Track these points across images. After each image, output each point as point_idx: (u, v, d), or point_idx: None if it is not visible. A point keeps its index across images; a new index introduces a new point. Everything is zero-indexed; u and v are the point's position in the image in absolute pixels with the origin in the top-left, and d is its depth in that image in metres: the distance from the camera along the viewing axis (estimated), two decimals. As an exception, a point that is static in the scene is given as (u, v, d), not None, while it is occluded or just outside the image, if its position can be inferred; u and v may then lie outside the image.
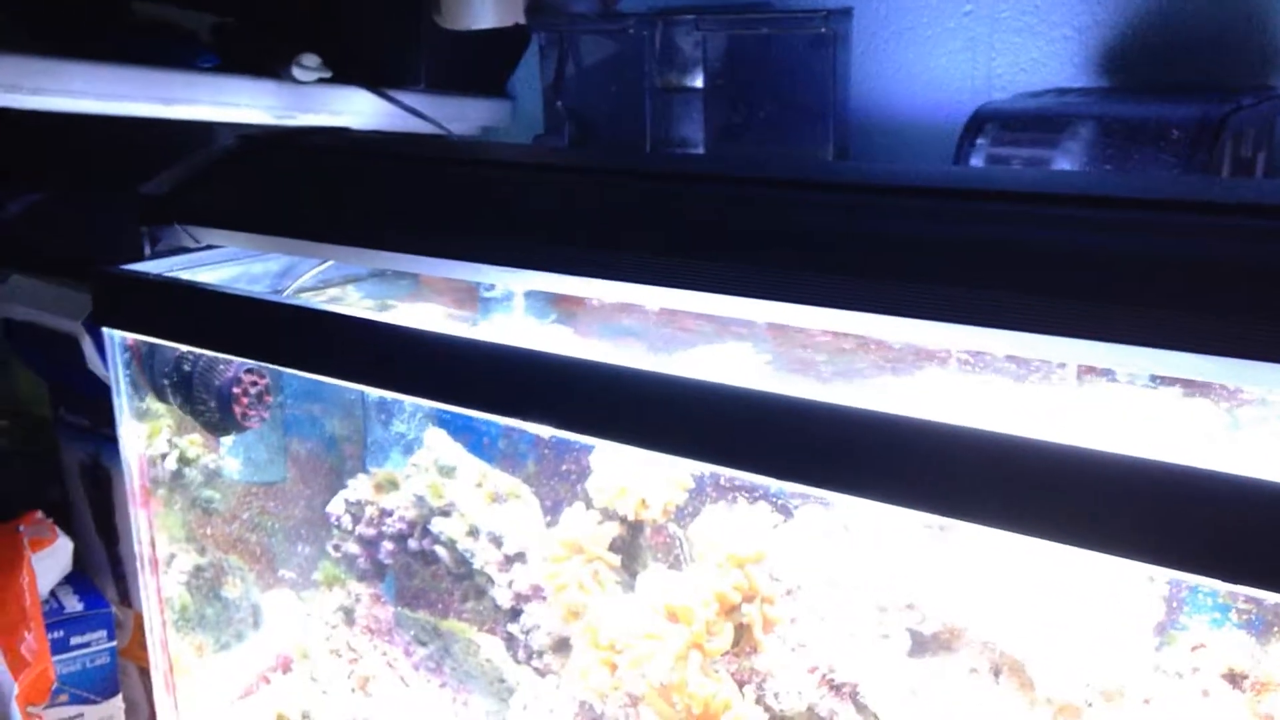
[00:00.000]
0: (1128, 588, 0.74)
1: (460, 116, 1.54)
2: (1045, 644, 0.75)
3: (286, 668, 1.22)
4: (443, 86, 1.50)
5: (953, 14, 1.18)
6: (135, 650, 1.40)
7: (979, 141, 0.97)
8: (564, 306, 1.13)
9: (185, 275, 1.10)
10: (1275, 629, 0.76)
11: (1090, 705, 0.73)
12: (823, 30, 1.13)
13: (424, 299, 1.24)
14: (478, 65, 1.55)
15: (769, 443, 0.75)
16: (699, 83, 1.26)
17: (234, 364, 1.04)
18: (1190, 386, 0.81)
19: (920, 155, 1.20)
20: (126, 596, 1.42)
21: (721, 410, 0.76)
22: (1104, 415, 0.80)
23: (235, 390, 1.03)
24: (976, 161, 0.97)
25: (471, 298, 1.15)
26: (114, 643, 1.40)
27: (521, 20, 1.37)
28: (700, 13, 1.23)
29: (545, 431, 0.82)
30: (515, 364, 0.85)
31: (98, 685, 1.38)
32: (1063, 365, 0.85)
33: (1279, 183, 0.94)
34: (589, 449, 1.03)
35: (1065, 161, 0.92)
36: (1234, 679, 0.71)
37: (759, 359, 0.94)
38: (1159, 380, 0.82)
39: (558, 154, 1.26)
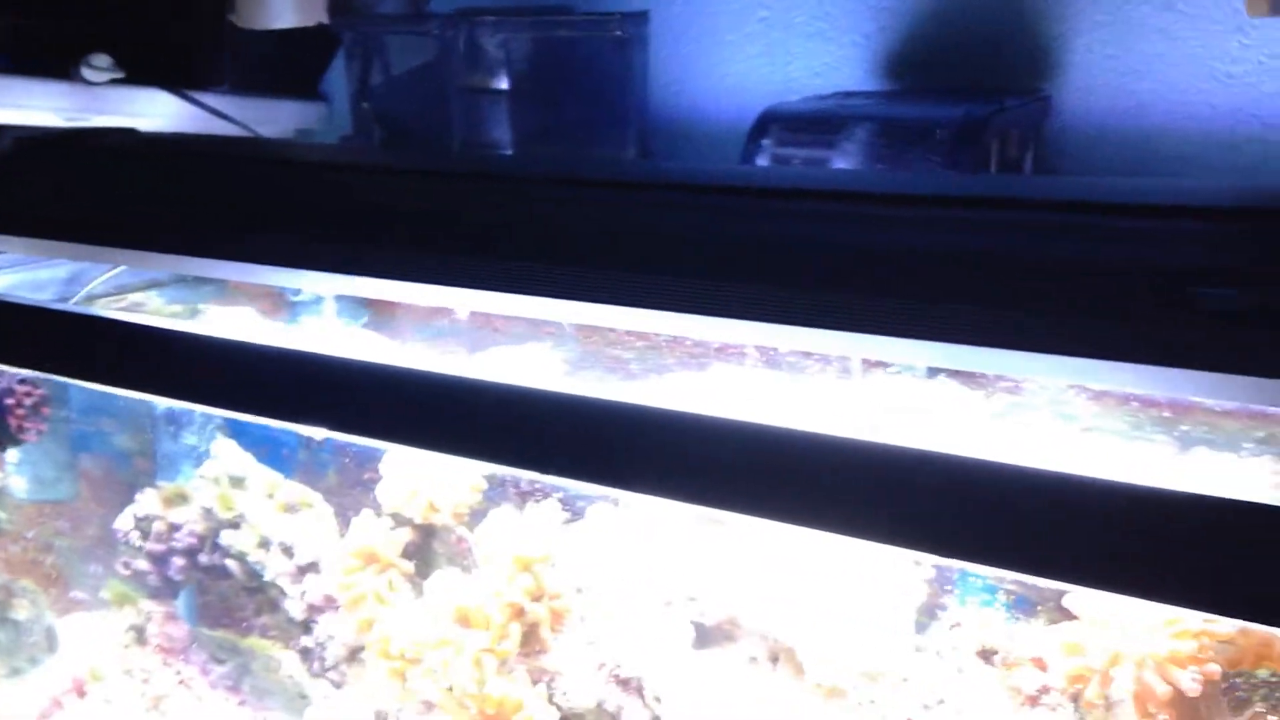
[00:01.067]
0: (896, 573, 0.76)
1: (270, 119, 1.50)
2: (815, 630, 0.77)
3: (80, 691, 1.17)
4: (249, 88, 1.46)
5: (749, 20, 1.20)
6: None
7: (764, 142, 1.00)
8: (377, 309, 1.11)
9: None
10: (1039, 607, 0.79)
11: (855, 686, 0.75)
12: (619, 33, 1.14)
13: (233, 303, 1.21)
14: (286, 66, 1.51)
15: (551, 441, 0.75)
16: (504, 84, 1.26)
17: (5, 375, 0.99)
18: (962, 376, 0.84)
19: (722, 156, 1.23)
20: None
21: (499, 410, 0.76)
22: (882, 407, 0.82)
23: (8, 402, 0.99)
24: (762, 161, 0.99)
25: (273, 301, 1.13)
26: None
27: (325, 20, 1.35)
28: (503, 15, 1.23)
29: (319, 434, 0.81)
30: (298, 368, 0.84)
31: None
32: (846, 358, 0.87)
33: (1032, 179, 0.98)
34: (371, 454, 1.01)
35: (842, 161, 0.94)
36: (986, 656, 0.74)
37: (557, 358, 0.94)
38: (936, 371, 0.85)
39: (358, 154, 1.24)
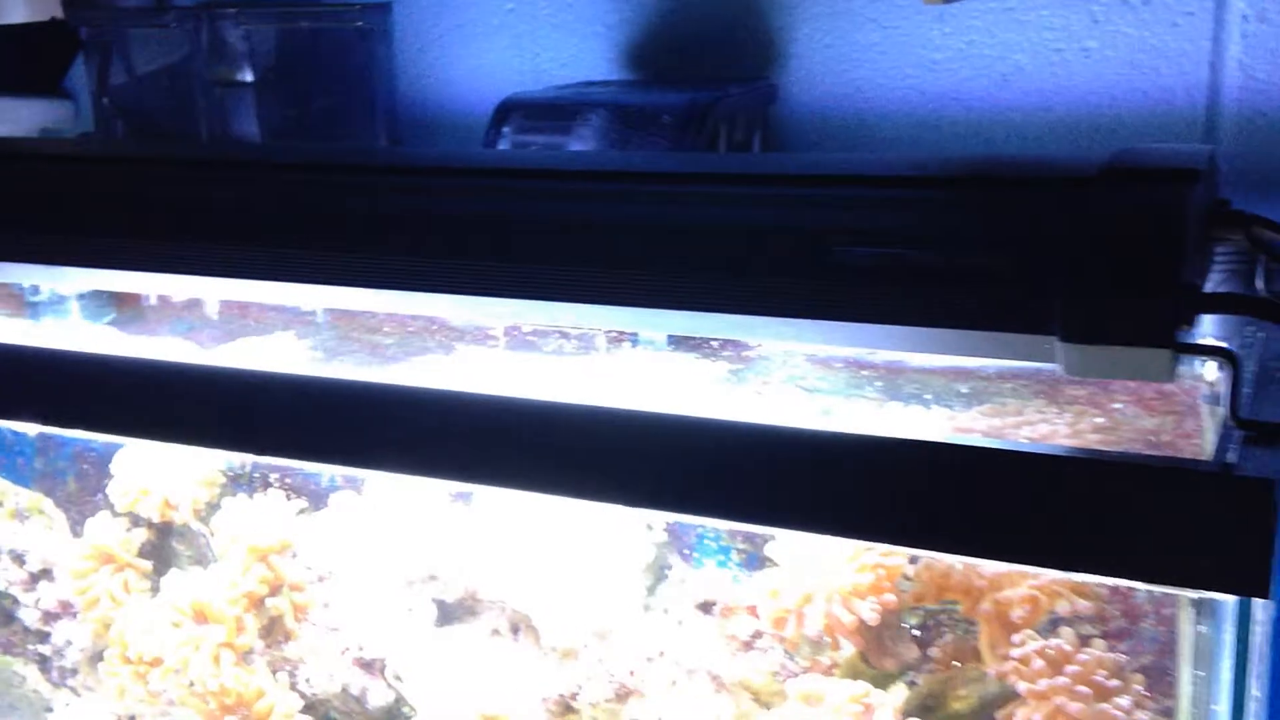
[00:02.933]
0: (626, 536, 0.79)
1: (11, 117, 1.44)
2: (550, 597, 0.80)
3: None
4: (-15, 86, 1.40)
5: (496, 11, 1.22)
6: None
7: (504, 130, 1.02)
8: (122, 306, 1.08)
9: None
10: (765, 564, 0.83)
11: (586, 646, 0.78)
12: (360, 24, 1.15)
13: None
14: (25, 64, 1.45)
15: (282, 425, 0.75)
16: (249, 77, 1.24)
17: None
18: (702, 347, 0.88)
19: (472, 145, 1.24)
20: None
21: (224, 396, 0.75)
22: (625, 376, 0.85)
23: None
24: (503, 147, 1.01)
25: (11, 302, 1.09)
26: None
27: (59, 15, 1.30)
28: (246, 7, 1.22)
29: (31, 430, 0.79)
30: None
31: None
32: (592, 333, 0.90)
33: (739, 156, 1.02)
34: (100, 453, 0.99)
35: (578, 145, 0.97)
36: (706, 608, 0.78)
37: (304, 345, 0.93)
38: (675, 342, 0.88)
39: (93, 147, 1.20)
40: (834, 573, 0.70)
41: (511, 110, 1.03)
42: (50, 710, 1.02)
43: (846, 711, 0.71)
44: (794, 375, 0.87)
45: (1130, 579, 0.52)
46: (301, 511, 0.87)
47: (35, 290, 1.09)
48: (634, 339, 0.89)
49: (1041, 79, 1.00)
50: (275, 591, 0.85)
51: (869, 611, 0.68)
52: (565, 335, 0.91)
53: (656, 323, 0.78)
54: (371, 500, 0.87)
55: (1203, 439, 0.73)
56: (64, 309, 1.08)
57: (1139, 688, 0.68)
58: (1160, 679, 0.73)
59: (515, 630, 0.82)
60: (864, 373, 0.85)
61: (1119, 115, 0.98)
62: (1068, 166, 0.57)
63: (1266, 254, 0.66)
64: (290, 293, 0.81)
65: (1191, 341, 0.50)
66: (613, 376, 0.85)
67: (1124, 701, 0.66)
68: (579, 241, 0.67)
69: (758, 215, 0.62)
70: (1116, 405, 0.76)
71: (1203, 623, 0.59)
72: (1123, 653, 0.73)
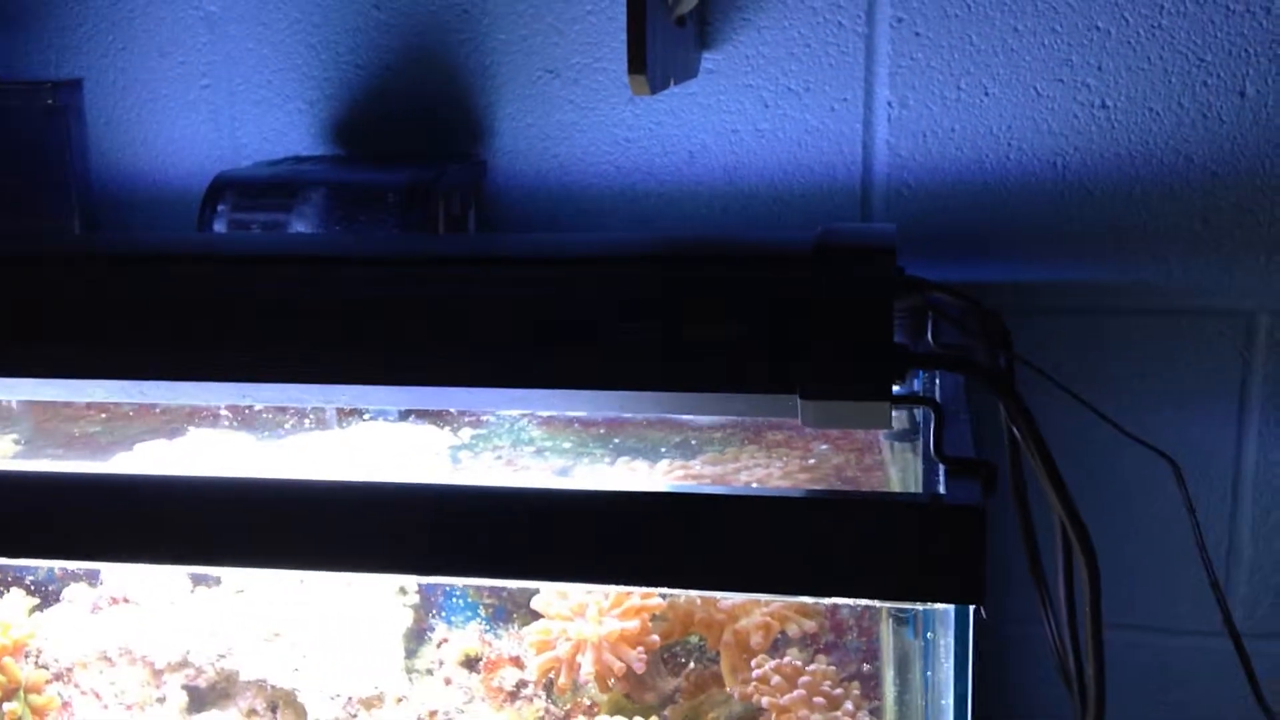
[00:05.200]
0: (380, 603, 0.82)
1: None
2: (312, 670, 0.81)
3: None
4: None
5: (192, 87, 1.21)
6: None
7: (220, 207, 1.02)
8: None
9: None
10: (514, 614, 0.88)
11: (355, 716, 0.80)
12: (50, 101, 1.11)
13: None
14: None
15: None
16: (-81, 156, 1.16)
17: None
18: (427, 417, 0.91)
19: (171, 224, 1.22)
20: None
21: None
22: (361, 449, 0.87)
23: None
24: (219, 227, 1.01)
25: None
26: None
27: None
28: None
29: None
30: None
31: None
32: (320, 410, 0.92)
33: (485, 236, 1.08)
34: None
35: (300, 224, 0.99)
36: (470, 663, 0.82)
37: (7, 439, 0.90)
38: (406, 414, 0.91)
39: None
40: (597, 620, 0.76)
41: (226, 188, 1.03)
42: None
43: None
44: (524, 437, 0.93)
45: (871, 599, 0.61)
46: (34, 609, 0.83)
47: None
48: (367, 413, 0.92)
49: (724, 156, 1.12)
50: (9, 696, 0.81)
51: (636, 661, 0.75)
52: (300, 413, 0.92)
53: (393, 400, 0.81)
54: (108, 590, 0.85)
55: (885, 471, 0.86)
56: None
57: (856, 692, 0.79)
58: (867, 683, 0.84)
59: (273, 708, 0.83)
60: (592, 430, 0.93)
61: (791, 187, 1.12)
62: (783, 244, 0.67)
63: (935, 313, 0.78)
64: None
65: (902, 393, 0.61)
66: (352, 448, 0.88)
67: (849, 705, 0.76)
68: (336, 323, 0.70)
69: (516, 292, 0.67)
70: (820, 445, 0.87)
71: (925, 629, 0.70)
72: (833, 663, 0.84)
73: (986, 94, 1.05)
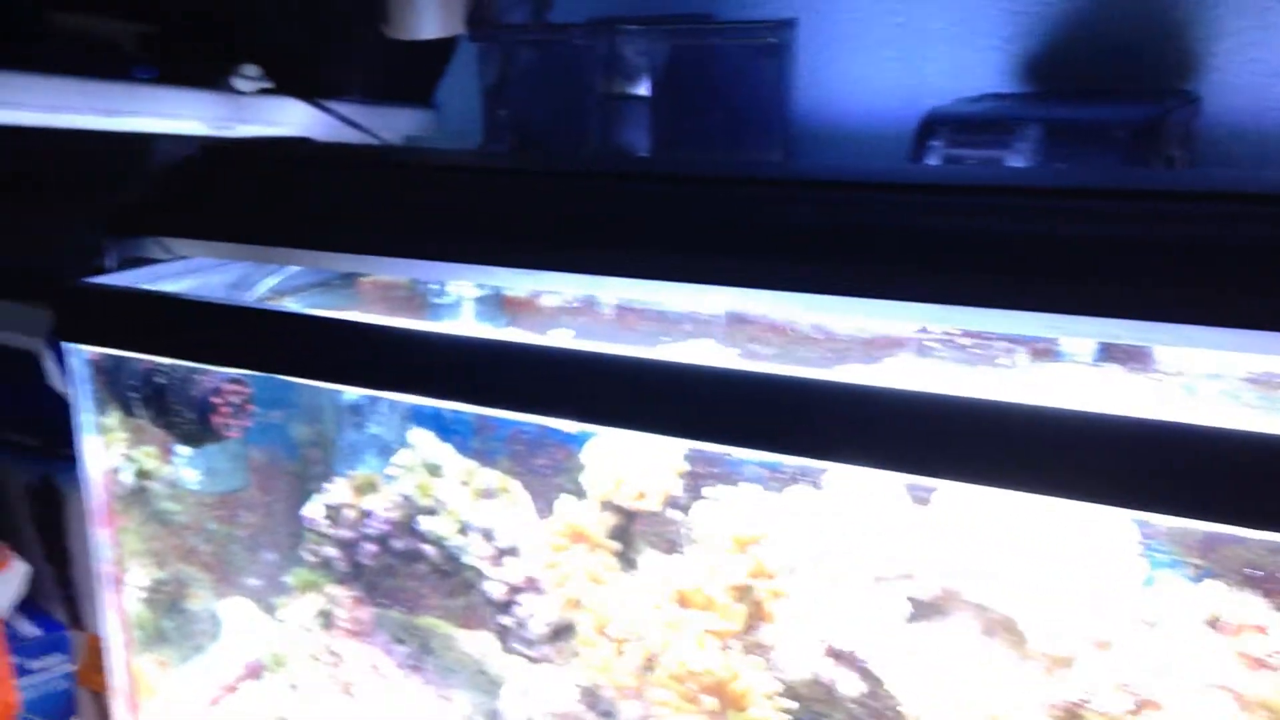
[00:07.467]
0: (1102, 540, 0.81)
1: (389, 126, 1.55)
2: (1033, 601, 0.82)
3: (256, 674, 1.22)
4: (375, 96, 1.51)
5: (887, 24, 1.25)
6: (89, 674, 1.37)
7: (933, 143, 1.04)
8: (514, 311, 1.15)
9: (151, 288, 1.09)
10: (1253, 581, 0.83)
11: (1083, 656, 0.80)
12: (770, 40, 1.19)
13: (368, 308, 1.25)
14: (408, 76, 1.56)
15: (765, 420, 0.79)
16: (645, 91, 1.30)
17: (213, 374, 1.04)
18: (1128, 363, 0.88)
19: (861, 157, 1.27)
20: (78, 619, 1.39)
21: (720, 390, 0.80)
22: (1058, 387, 0.86)
23: (215, 400, 1.03)
24: (933, 161, 1.03)
25: (412, 305, 1.17)
26: (71, 666, 1.37)
27: (462, 31, 1.39)
28: (647, 23, 1.27)
29: (555, 423, 0.85)
30: (511, 358, 0.88)
31: (56, 710, 1.34)
32: (1013, 350, 0.92)
33: (1217, 172, 1.02)
34: (568, 442, 1.06)
35: (1017, 160, 0.99)
36: (1215, 624, 0.79)
37: (728, 351, 0.98)
38: (1103, 358, 0.89)
39: (517, 159, 1.29)
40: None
41: (940, 124, 1.05)
42: (484, 672, 1.10)
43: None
44: (1230, 390, 0.87)
45: None
46: (770, 505, 0.92)
47: (440, 292, 1.16)
48: (1057, 355, 0.90)
49: None
50: (755, 580, 0.90)
51: None
52: (985, 352, 0.92)
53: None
54: (834, 495, 0.91)
55: None
56: (458, 313, 1.15)
57: None
58: None
59: (990, 634, 0.85)
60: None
61: None
62: None
63: None
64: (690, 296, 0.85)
65: None
66: (1048, 386, 0.87)
67: None
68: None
69: None
70: None
71: None
72: None
73: None
